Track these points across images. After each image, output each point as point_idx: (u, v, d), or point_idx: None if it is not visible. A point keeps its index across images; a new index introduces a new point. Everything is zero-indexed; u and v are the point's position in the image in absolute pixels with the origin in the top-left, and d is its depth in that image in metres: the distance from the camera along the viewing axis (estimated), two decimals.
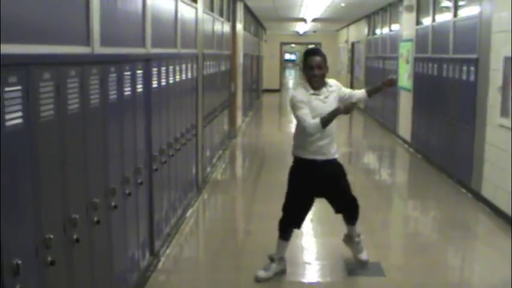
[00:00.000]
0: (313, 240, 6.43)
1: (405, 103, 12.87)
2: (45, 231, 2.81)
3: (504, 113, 6.90)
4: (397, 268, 5.60)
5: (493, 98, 7.27)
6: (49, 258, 2.83)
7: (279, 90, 30.03)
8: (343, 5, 16.01)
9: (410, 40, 12.44)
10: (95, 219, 3.47)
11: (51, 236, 2.84)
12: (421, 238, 6.54)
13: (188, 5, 6.96)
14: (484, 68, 7.63)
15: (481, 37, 7.85)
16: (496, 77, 7.18)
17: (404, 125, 12.84)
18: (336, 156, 5.20)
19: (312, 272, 5.47)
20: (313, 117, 4.83)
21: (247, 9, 16.93)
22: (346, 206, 5.42)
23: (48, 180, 2.87)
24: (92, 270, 3.55)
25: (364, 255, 5.43)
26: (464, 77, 8.46)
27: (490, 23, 7.46)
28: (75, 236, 3.14)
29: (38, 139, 2.73)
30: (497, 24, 7.26)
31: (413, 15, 12.27)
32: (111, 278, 3.96)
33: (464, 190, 8.28)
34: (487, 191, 7.46)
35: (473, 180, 7.95)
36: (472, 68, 8.09)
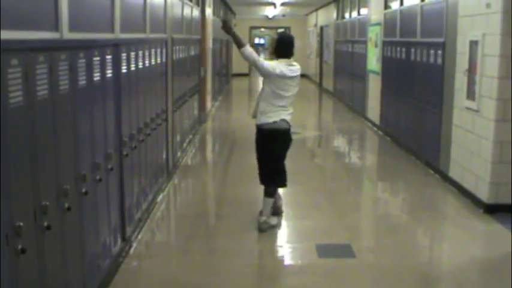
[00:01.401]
0: (284, 224, 6.48)
1: (374, 86, 12.96)
2: (15, 218, 2.80)
3: (470, 95, 7.00)
4: (368, 249, 5.68)
5: (460, 81, 7.36)
6: (19, 246, 2.81)
7: (249, 74, 29.99)
8: None
9: (378, 24, 12.51)
10: (66, 205, 3.45)
11: (21, 224, 2.82)
12: (390, 219, 6.62)
13: None
14: (451, 52, 7.72)
15: (447, 21, 7.93)
16: (462, 61, 7.27)
17: (373, 108, 12.94)
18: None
19: (283, 255, 5.52)
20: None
21: None
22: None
23: (17, 168, 2.85)
24: (63, 257, 3.54)
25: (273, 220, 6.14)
26: (431, 60, 8.55)
27: (457, 7, 7.54)
28: (45, 223, 3.12)
29: (6, 126, 2.70)
30: (464, 9, 7.34)
31: None
32: (83, 264, 3.95)
33: (432, 171, 8.39)
34: (454, 172, 7.57)
35: (441, 161, 8.06)
36: (439, 52, 8.18)
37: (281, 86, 5.84)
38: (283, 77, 5.81)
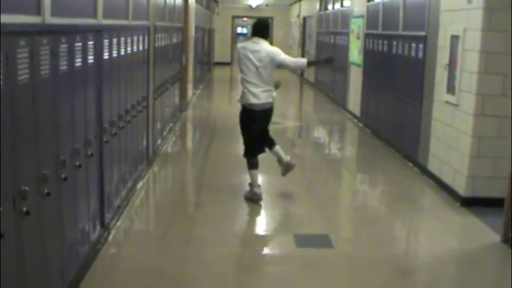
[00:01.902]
0: (263, 214, 6.50)
1: (355, 78, 13.02)
2: None
3: (450, 89, 7.06)
4: (346, 240, 5.72)
5: (440, 75, 7.42)
6: None
7: (230, 63, 29.95)
8: None
9: (361, 16, 12.55)
10: (45, 191, 3.43)
11: (1, 209, 2.81)
12: (369, 211, 6.68)
13: None
14: (432, 46, 7.77)
15: (429, 15, 7.97)
16: (443, 55, 7.33)
17: (354, 100, 13.00)
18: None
19: (261, 244, 5.54)
20: None
21: None
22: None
23: None
24: (42, 242, 3.53)
25: (287, 157, 6.92)
26: (413, 53, 8.59)
27: (439, 2, 7.58)
28: (24, 209, 3.11)
29: None
30: (445, 3, 7.38)
31: None
32: (61, 250, 3.94)
33: (411, 164, 8.46)
34: (433, 166, 7.64)
35: (420, 154, 8.13)
36: (421, 45, 8.23)
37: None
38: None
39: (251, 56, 6.41)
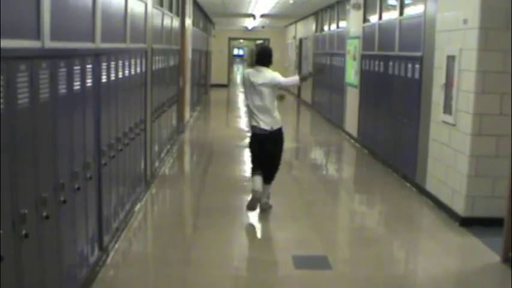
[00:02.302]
0: (261, 235, 6.49)
1: (352, 99, 13.06)
2: None
3: (447, 109, 7.09)
4: (344, 261, 5.71)
5: (437, 95, 7.45)
6: None
7: (227, 85, 30.05)
8: (291, 1, 16.13)
9: (357, 37, 12.62)
10: (44, 214, 3.44)
11: (0, 232, 2.81)
12: (367, 232, 6.67)
13: None
14: (429, 66, 7.82)
15: (425, 36, 8.03)
16: (439, 75, 7.37)
17: (351, 121, 13.03)
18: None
19: (259, 266, 5.53)
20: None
21: (196, 4, 16.89)
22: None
23: None
24: (41, 265, 3.52)
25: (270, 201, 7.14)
26: (409, 74, 8.64)
27: (435, 23, 7.64)
28: (24, 232, 3.11)
29: None
30: (441, 24, 7.44)
31: (361, 12, 12.44)
32: (60, 273, 3.93)
33: (409, 184, 8.46)
34: (430, 186, 7.65)
35: (418, 174, 8.14)
36: (417, 66, 8.27)
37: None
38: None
39: (252, 82, 6.81)
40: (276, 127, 6.90)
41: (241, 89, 7.07)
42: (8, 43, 2.94)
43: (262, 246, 6.16)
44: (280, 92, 7.19)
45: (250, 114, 6.93)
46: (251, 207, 6.88)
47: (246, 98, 6.97)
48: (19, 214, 3.08)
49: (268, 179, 7.07)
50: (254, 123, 6.86)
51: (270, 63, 6.98)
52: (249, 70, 7.13)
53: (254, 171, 7.00)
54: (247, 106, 6.98)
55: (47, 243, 3.62)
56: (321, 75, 6.67)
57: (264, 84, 6.77)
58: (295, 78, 7.45)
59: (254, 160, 7.06)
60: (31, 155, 3.31)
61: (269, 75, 6.83)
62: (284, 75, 7.20)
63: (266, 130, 6.83)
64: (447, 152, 7.08)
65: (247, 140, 7.43)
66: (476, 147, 6.49)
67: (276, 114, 6.90)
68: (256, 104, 6.80)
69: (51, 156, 3.68)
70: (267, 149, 6.94)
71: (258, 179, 6.90)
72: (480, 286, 5.18)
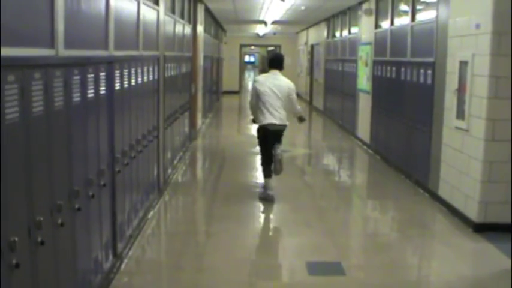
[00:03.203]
0: (274, 242, 6.50)
1: (364, 105, 13.05)
2: (9, 234, 2.81)
3: (460, 115, 7.07)
4: (357, 267, 5.70)
5: (449, 101, 7.44)
6: (14, 261, 2.83)
7: (239, 92, 30.09)
8: (303, 8, 16.14)
9: (369, 43, 12.62)
10: (59, 221, 3.46)
11: (16, 239, 2.84)
12: (380, 238, 6.66)
13: (150, 7, 6.97)
14: (441, 71, 7.81)
15: (437, 41, 8.02)
16: (452, 80, 7.35)
17: (363, 127, 13.01)
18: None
19: (273, 273, 5.53)
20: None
21: (208, 12, 16.95)
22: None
23: (12, 183, 2.86)
24: (56, 272, 3.55)
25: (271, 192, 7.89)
26: (421, 80, 8.63)
27: (447, 28, 7.63)
28: (39, 239, 3.14)
29: (2, 142, 2.72)
30: (453, 29, 7.43)
31: (372, 18, 12.45)
32: (75, 280, 3.95)
33: (421, 190, 8.44)
34: (443, 191, 7.62)
35: (431, 180, 8.12)
36: (429, 71, 8.26)
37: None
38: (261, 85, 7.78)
39: (270, 86, 7.65)
40: (284, 123, 7.78)
41: (256, 90, 7.77)
42: (23, 51, 2.97)
43: (276, 252, 6.16)
44: (300, 114, 8.30)
45: (262, 111, 7.66)
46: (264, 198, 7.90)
47: (261, 97, 7.64)
48: (35, 221, 3.11)
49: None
50: (268, 120, 7.63)
51: (282, 68, 7.90)
52: (266, 74, 7.92)
53: (265, 170, 7.93)
54: (263, 104, 7.64)
55: (62, 250, 3.65)
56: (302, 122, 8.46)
57: (281, 90, 7.67)
58: (299, 108, 8.30)
59: (265, 156, 7.90)
60: (46, 163, 3.34)
61: (285, 84, 7.79)
62: (296, 81, 8.17)
63: (276, 124, 7.66)
64: (460, 158, 7.06)
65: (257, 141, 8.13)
66: (489, 152, 6.47)
67: (283, 114, 7.77)
68: (273, 102, 7.62)
69: (65, 164, 3.71)
70: (273, 140, 7.76)
71: (270, 181, 7.90)
72: None
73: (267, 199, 7.81)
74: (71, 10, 3.77)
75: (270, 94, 7.63)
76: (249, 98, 7.96)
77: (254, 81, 7.95)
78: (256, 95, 7.73)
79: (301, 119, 8.37)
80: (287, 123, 7.81)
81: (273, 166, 7.88)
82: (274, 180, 8.00)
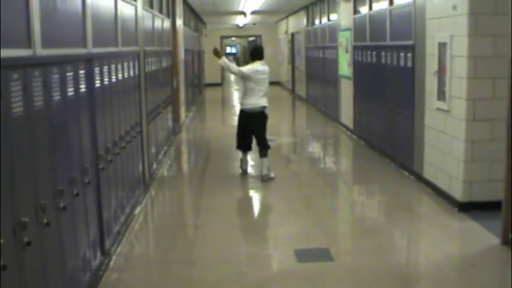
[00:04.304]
0: (262, 231, 6.52)
1: (346, 91, 13.08)
2: None
3: (441, 96, 7.11)
4: (346, 252, 5.74)
5: (430, 83, 7.48)
6: (1, 263, 2.82)
7: (221, 84, 30.06)
8: None
9: (348, 29, 12.64)
10: (45, 221, 3.45)
11: (2, 241, 2.83)
12: (367, 222, 6.70)
13: (127, 2, 6.93)
14: (421, 54, 7.84)
15: (416, 24, 8.05)
16: (432, 62, 7.39)
17: (347, 113, 13.06)
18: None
19: (262, 261, 5.55)
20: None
21: (187, 5, 16.90)
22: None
23: None
24: (44, 272, 3.54)
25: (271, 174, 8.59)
26: (402, 63, 8.67)
27: (424, 10, 7.66)
28: (25, 239, 3.13)
29: None
30: (431, 11, 7.46)
31: (351, 4, 12.46)
32: (63, 279, 3.95)
33: (406, 173, 8.50)
34: (428, 173, 7.68)
35: (415, 163, 8.17)
36: (409, 55, 8.30)
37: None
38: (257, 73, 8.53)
39: (262, 75, 8.56)
40: (264, 105, 8.56)
41: (246, 78, 8.61)
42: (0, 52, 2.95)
43: (264, 242, 6.18)
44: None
45: (250, 96, 8.50)
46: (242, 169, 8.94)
47: (252, 85, 8.47)
48: (20, 222, 3.10)
49: (263, 151, 8.56)
50: (251, 104, 8.51)
51: (263, 58, 8.77)
52: (257, 65, 8.64)
53: (241, 148, 8.89)
54: (252, 90, 8.48)
55: (49, 249, 3.64)
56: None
57: (266, 76, 8.63)
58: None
59: (240, 140, 8.79)
60: (28, 163, 3.33)
61: (267, 68, 8.72)
62: (277, 70, 9.32)
63: (265, 107, 8.53)
64: (443, 139, 7.11)
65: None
66: (471, 132, 6.52)
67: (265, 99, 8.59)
68: (261, 89, 8.48)
69: (48, 163, 3.70)
70: (255, 123, 8.56)
71: (246, 156, 8.98)
72: (482, 269, 5.22)
73: (244, 170, 8.91)
74: (47, 8, 3.76)
75: (257, 83, 8.46)
76: (235, 70, 8.78)
77: (252, 70, 8.59)
78: (244, 79, 8.62)
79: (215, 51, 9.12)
80: (267, 105, 8.55)
81: (248, 141, 8.78)
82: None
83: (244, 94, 8.66)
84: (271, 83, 9.49)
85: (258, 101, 8.47)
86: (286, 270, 5.30)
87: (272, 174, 8.53)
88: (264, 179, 8.39)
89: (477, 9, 6.33)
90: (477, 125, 6.50)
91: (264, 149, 8.54)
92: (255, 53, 8.83)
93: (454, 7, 6.65)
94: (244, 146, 8.83)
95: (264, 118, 8.58)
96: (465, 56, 6.43)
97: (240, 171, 8.96)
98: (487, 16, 6.33)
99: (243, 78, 8.67)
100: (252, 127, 8.59)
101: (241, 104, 8.76)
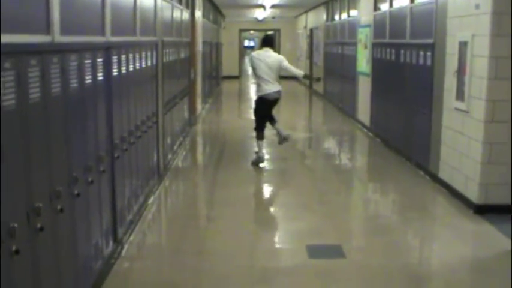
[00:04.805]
0: (275, 225, 6.51)
1: (364, 88, 13.02)
2: (8, 220, 2.81)
3: (460, 96, 7.05)
4: (358, 250, 5.71)
5: (449, 82, 7.42)
6: (13, 248, 2.82)
7: (239, 77, 30.05)
8: None
9: (368, 26, 12.57)
10: (59, 207, 3.46)
11: (15, 225, 2.84)
12: (381, 220, 6.66)
13: None
14: (440, 53, 7.78)
15: (437, 22, 7.98)
16: (451, 62, 7.33)
17: (363, 110, 12.99)
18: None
19: (274, 256, 5.54)
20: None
21: None
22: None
23: (11, 170, 2.85)
24: (56, 258, 3.55)
25: (285, 132, 9.42)
26: (421, 61, 8.59)
27: (446, 8, 7.59)
28: (39, 225, 3.13)
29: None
30: (453, 10, 7.39)
31: (371, 0, 12.39)
32: (75, 266, 3.96)
33: (422, 172, 8.44)
34: (444, 173, 7.62)
35: (431, 162, 8.11)
36: (429, 53, 8.23)
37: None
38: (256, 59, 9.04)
39: (264, 61, 8.85)
40: (279, 90, 9.01)
41: (251, 66, 9.27)
42: (18, 38, 2.96)
43: (276, 236, 6.17)
44: (306, 74, 10.10)
45: (259, 83, 8.95)
46: (256, 163, 9.03)
47: (256, 72, 8.93)
48: (34, 207, 3.10)
49: (272, 121, 9.21)
50: (265, 91, 8.90)
51: (273, 46, 9.23)
52: (259, 51, 9.23)
53: (260, 132, 9.09)
54: (259, 78, 8.91)
55: (62, 236, 3.65)
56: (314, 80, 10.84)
57: (273, 62, 8.87)
58: (299, 71, 9.65)
59: (260, 122, 9.10)
60: (44, 149, 3.33)
61: (277, 56, 9.05)
62: (296, 65, 9.25)
63: (274, 93, 8.94)
64: (460, 139, 7.05)
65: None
66: (489, 133, 6.45)
67: (278, 83, 9.05)
68: (267, 76, 8.83)
69: (64, 150, 3.70)
70: (271, 108, 9.08)
71: (261, 144, 9.12)
72: (495, 273, 5.16)
73: (258, 161, 8.97)
74: None
75: (263, 68, 8.85)
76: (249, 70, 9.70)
77: (251, 57, 9.25)
78: (253, 68, 9.06)
79: (311, 78, 10.92)
80: (280, 88, 9.02)
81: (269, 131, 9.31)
82: (277, 164, 9.02)
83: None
84: (288, 78, 10.05)
85: (270, 87, 8.91)
86: (297, 265, 5.27)
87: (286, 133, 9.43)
88: (281, 142, 9.39)
89: (501, 9, 6.25)
90: (496, 126, 6.43)
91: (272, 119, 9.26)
92: (264, 41, 9.34)
93: (477, 6, 6.58)
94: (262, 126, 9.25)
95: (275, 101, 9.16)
96: (486, 56, 6.36)
97: (254, 157, 9.15)
98: (510, 16, 6.24)
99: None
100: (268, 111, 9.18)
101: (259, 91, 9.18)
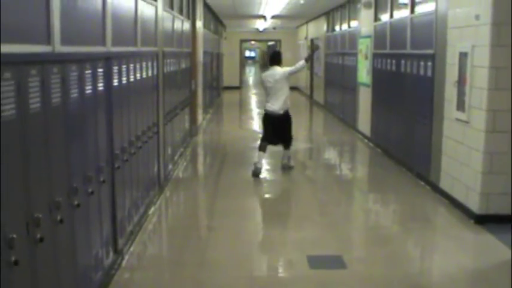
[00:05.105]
0: (275, 235, 6.49)
1: (364, 99, 13.03)
2: (8, 231, 2.80)
3: (460, 106, 7.05)
4: (359, 260, 5.69)
5: (450, 93, 7.42)
6: (13, 258, 2.82)
7: (239, 87, 30.06)
8: (302, 2, 16.10)
9: (368, 36, 12.59)
10: (58, 218, 3.45)
11: (15, 236, 2.83)
12: (381, 230, 6.65)
13: (148, 3, 6.95)
14: (441, 63, 7.78)
15: (437, 33, 7.99)
16: (452, 72, 7.33)
17: (364, 120, 13.00)
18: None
19: (274, 267, 5.53)
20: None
21: (207, 7, 16.92)
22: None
23: (10, 180, 2.85)
24: (56, 269, 3.54)
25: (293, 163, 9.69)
26: (421, 72, 8.60)
27: (446, 19, 7.60)
28: (38, 236, 3.13)
29: None
30: (453, 20, 7.40)
31: (372, 11, 12.42)
32: (75, 277, 3.95)
33: (423, 183, 8.43)
34: (444, 183, 7.61)
35: (432, 173, 8.10)
36: (429, 63, 8.24)
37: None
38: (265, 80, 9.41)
39: (271, 80, 9.20)
40: (283, 109, 9.23)
41: (263, 86, 9.57)
42: (19, 48, 2.96)
43: (277, 247, 6.15)
44: (306, 57, 10.04)
45: (267, 100, 9.28)
46: (254, 175, 9.01)
47: (266, 90, 9.33)
48: (33, 218, 3.10)
49: (286, 146, 9.49)
50: (270, 107, 9.23)
51: (280, 63, 9.40)
52: (267, 72, 9.41)
53: (262, 144, 9.27)
54: (268, 95, 9.27)
55: (62, 247, 3.64)
56: (315, 51, 11.27)
57: (280, 79, 9.14)
58: (300, 63, 9.57)
59: (266, 135, 9.32)
60: (44, 159, 3.33)
61: (281, 71, 9.24)
62: (296, 75, 9.83)
63: (278, 111, 9.17)
64: (461, 150, 7.05)
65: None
66: (490, 144, 6.45)
67: (288, 100, 9.33)
68: (274, 94, 9.16)
69: (64, 160, 3.70)
70: (280, 126, 9.27)
71: (262, 155, 9.18)
72: (496, 283, 5.15)
73: (255, 172, 8.98)
74: (67, 6, 3.76)
75: (272, 87, 9.16)
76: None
77: (261, 78, 9.67)
78: (264, 87, 9.41)
79: (312, 53, 11.59)
80: (286, 108, 9.25)
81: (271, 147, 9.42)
82: (278, 174, 8.99)
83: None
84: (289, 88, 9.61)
85: (273, 105, 9.21)
86: (298, 276, 5.26)
87: (292, 163, 9.60)
88: (285, 168, 9.52)
89: (500, 20, 6.27)
90: (496, 136, 6.43)
91: (288, 144, 9.53)
92: (272, 59, 9.58)
93: (477, 17, 6.59)
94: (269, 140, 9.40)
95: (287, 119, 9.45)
96: (486, 67, 6.36)
97: (253, 169, 9.09)
98: (510, 26, 6.25)
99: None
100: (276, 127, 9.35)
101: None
